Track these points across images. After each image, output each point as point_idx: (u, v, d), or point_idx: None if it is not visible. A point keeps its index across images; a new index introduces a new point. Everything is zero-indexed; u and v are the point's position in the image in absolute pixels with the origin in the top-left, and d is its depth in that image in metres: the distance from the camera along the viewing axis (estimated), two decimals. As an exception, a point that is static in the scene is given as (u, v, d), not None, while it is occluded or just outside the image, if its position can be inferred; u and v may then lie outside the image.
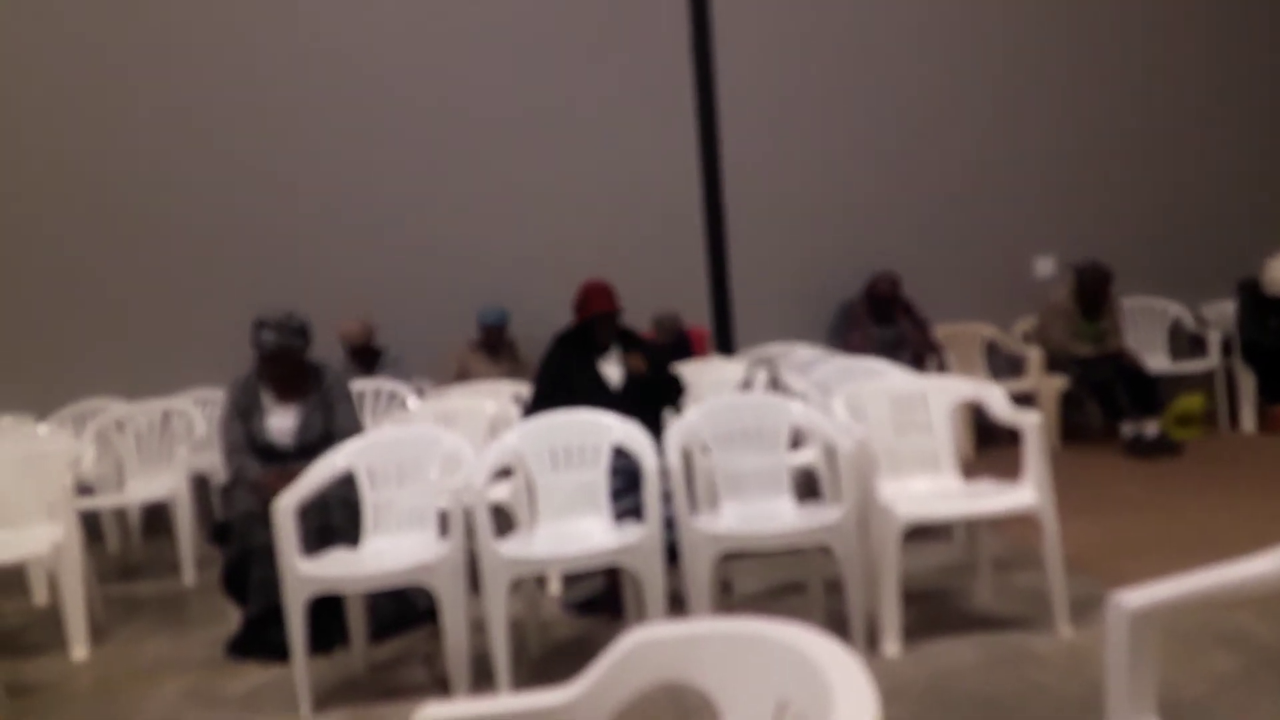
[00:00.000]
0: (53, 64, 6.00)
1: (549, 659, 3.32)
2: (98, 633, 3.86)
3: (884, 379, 3.93)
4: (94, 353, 5.98)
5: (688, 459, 3.39)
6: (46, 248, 6.02)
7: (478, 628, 3.07)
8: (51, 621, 3.88)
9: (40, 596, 4.39)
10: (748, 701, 1.04)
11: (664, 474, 3.10)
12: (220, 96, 6.10)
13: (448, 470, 3.27)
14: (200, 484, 5.22)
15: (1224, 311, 6.36)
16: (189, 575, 4.63)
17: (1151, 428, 5.62)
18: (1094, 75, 6.69)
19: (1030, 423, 3.15)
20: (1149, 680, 1.49)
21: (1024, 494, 3.11)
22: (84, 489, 4.65)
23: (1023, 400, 4.59)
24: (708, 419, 3.39)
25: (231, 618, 3.64)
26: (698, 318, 6.27)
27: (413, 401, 4.95)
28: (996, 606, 3.39)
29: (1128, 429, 5.67)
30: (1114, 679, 1.47)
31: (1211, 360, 6.27)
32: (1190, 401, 5.95)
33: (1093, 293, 5.91)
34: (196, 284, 6.08)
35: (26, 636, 3.99)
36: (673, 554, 3.16)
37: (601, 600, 3.67)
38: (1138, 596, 1.47)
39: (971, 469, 3.54)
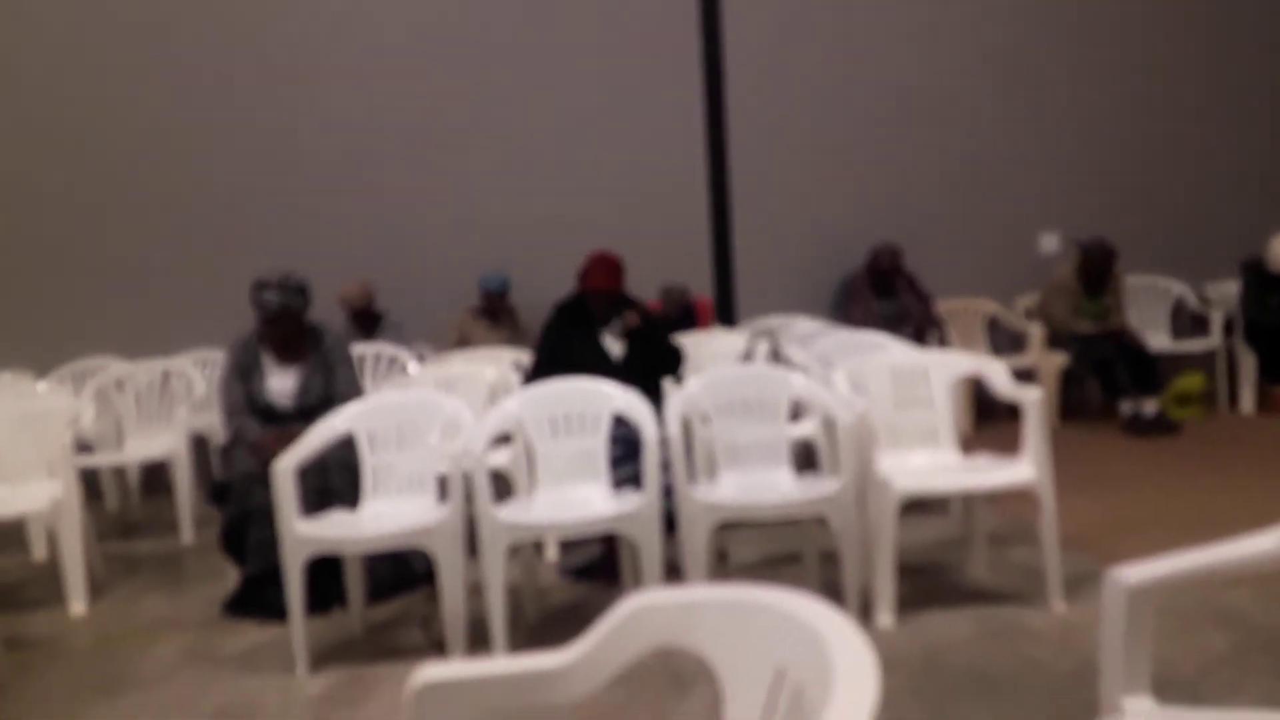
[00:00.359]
0: (57, 24, 5.92)
1: (545, 624, 3.34)
2: (96, 589, 3.88)
3: (885, 353, 3.93)
4: (94, 312, 5.96)
5: (687, 428, 3.39)
6: (48, 207, 5.98)
7: (475, 592, 3.08)
8: (50, 577, 3.90)
9: (39, 552, 4.41)
10: (746, 667, 1.05)
11: (663, 443, 3.10)
12: (225, 60, 6.03)
13: (447, 435, 3.27)
14: (199, 444, 5.23)
15: (1227, 291, 6.34)
16: (187, 534, 4.65)
17: (1150, 406, 5.62)
18: (1101, 52, 6.62)
19: (1031, 399, 3.15)
20: (1144, 657, 1.49)
21: (1022, 469, 3.11)
22: (83, 447, 4.66)
23: (1023, 376, 4.58)
24: (708, 389, 3.38)
25: (229, 577, 3.66)
26: (700, 288, 6.25)
27: (413, 366, 4.95)
28: (991, 581, 3.40)
29: (1127, 407, 5.68)
30: (1109, 654, 1.48)
31: (1213, 340, 6.26)
32: (1190, 381, 5.94)
33: (1096, 270, 5.89)
34: (197, 245, 6.05)
35: (25, 592, 4.02)
36: (670, 523, 3.17)
37: (598, 567, 3.69)
38: (1135, 572, 1.47)
39: (970, 444, 3.54)
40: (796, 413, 3.87)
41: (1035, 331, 6.06)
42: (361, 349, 5.06)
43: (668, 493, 3.14)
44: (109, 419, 5.10)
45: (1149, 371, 5.70)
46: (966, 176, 6.56)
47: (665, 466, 3.12)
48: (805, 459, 3.86)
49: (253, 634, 3.36)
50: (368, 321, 5.72)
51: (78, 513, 3.79)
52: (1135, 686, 1.46)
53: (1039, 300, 6.19)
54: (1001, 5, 6.53)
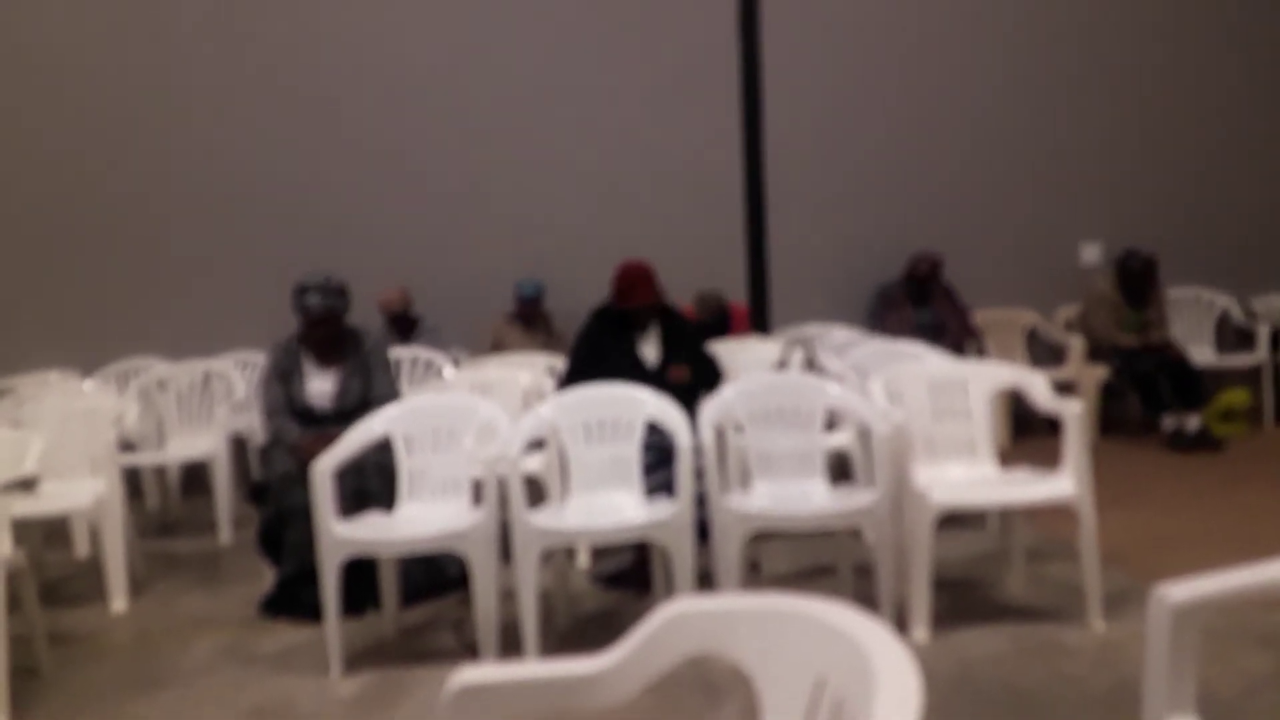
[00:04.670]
0: (107, 28, 6.06)
1: (576, 630, 3.34)
2: (136, 586, 3.95)
3: (923, 363, 3.89)
4: (138, 313, 6.07)
5: (720, 437, 3.38)
6: (96, 212, 6.10)
7: (507, 597, 3.10)
8: (92, 574, 3.98)
9: (82, 549, 4.49)
10: (785, 677, 1.04)
11: (697, 451, 3.10)
12: (270, 66, 6.13)
13: (482, 439, 3.29)
14: (238, 444, 5.30)
15: (1274, 305, 6.22)
16: (225, 534, 4.71)
17: (1193, 422, 5.52)
18: (1146, 60, 6.52)
19: (1072, 412, 3.11)
20: (1189, 677, 1.47)
21: (1062, 484, 3.07)
22: (126, 446, 4.74)
23: (1062, 389, 4.52)
24: (743, 398, 3.37)
25: (266, 577, 3.70)
26: (734, 295, 6.24)
27: (449, 371, 4.98)
28: (1028, 597, 3.36)
29: (1169, 422, 5.58)
30: (1153, 674, 1.45)
31: (1259, 355, 6.13)
32: (1235, 396, 5.83)
33: (1138, 282, 5.80)
34: (239, 249, 6.14)
35: (68, 587, 4.09)
36: (703, 532, 3.16)
37: (630, 575, 3.68)
38: (1181, 591, 1.45)
39: (1007, 458, 3.49)
40: (831, 423, 3.85)
41: (1075, 344, 5.97)
42: (399, 353, 5.10)
43: (700, 502, 3.13)
44: (151, 419, 5.18)
45: (1192, 386, 5.59)
46: (1006, 185, 6.50)
47: (698, 475, 3.11)
48: (839, 470, 3.83)
49: (288, 634, 3.40)
50: (405, 326, 5.77)
51: (120, 511, 3.86)
52: (1179, 707, 1.44)
53: (1080, 312, 6.10)
54: (1044, 13, 6.47)
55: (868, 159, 6.40)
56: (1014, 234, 6.49)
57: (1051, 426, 3.20)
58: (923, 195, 6.45)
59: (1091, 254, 6.56)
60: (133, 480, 4.91)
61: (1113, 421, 6.00)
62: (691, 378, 3.75)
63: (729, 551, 3.04)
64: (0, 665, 2.77)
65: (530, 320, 5.90)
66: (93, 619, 3.69)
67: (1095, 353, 5.89)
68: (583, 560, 3.96)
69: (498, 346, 5.70)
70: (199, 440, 5.02)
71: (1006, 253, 6.47)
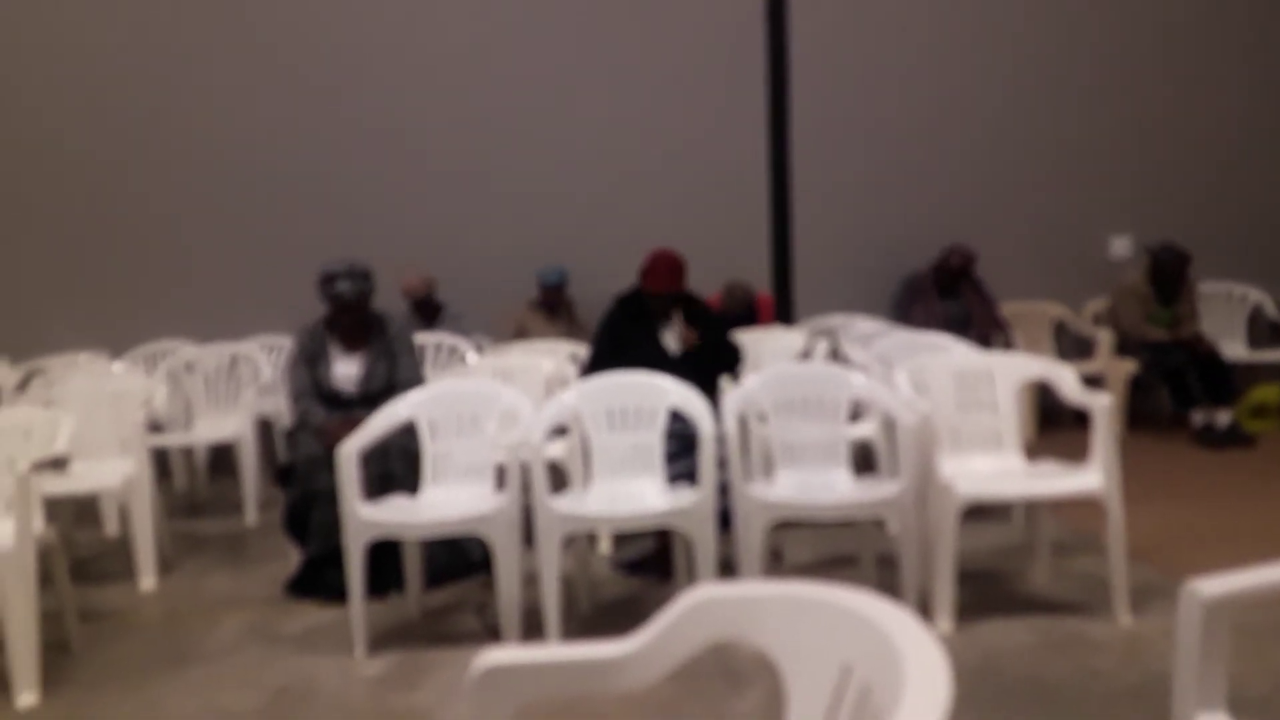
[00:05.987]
0: (129, 12, 6.10)
1: (597, 615, 3.36)
2: (164, 565, 4.00)
3: (949, 354, 3.86)
4: (166, 297, 6.13)
5: (744, 426, 3.38)
6: (124, 199, 6.16)
7: (529, 581, 3.11)
8: (122, 552, 4.03)
9: (112, 528, 4.56)
10: (810, 664, 1.04)
11: (720, 440, 3.09)
12: (292, 52, 6.15)
13: (505, 425, 3.30)
14: (265, 427, 5.35)
15: (1309, 300, 6.11)
16: (251, 515, 4.76)
17: (1224, 417, 5.44)
18: (1176, 50, 6.41)
19: (1101, 405, 3.07)
20: (1219, 672, 1.45)
21: (1090, 477, 3.03)
22: (154, 427, 4.79)
23: (1090, 383, 4.46)
24: (767, 387, 3.36)
25: (291, 558, 3.74)
26: (758, 285, 6.21)
27: (472, 357, 5.00)
28: (1053, 590, 3.33)
29: (1198, 417, 5.50)
30: (1183, 669, 1.44)
31: (1292, 351, 6.04)
32: (1267, 392, 5.74)
33: (1169, 275, 5.72)
34: (265, 235, 6.18)
35: (99, 565, 4.16)
36: (724, 520, 3.15)
37: (651, 562, 3.69)
38: (1213, 585, 1.43)
39: (1033, 451, 3.46)
40: (855, 413, 3.83)
41: (1103, 337, 5.90)
42: (422, 338, 5.13)
43: (723, 490, 3.13)
44: (178, 401, 5.23)
45: (1223, 381, 5.52)
46: (1035, 176, 6.41)
47: (721, 464, 3.11)
48: (863, 461, 3.81)
49: (313, 614, 3.44)
50: (429, 312, 5.80)
51: (149, 491, 3.91)
52: (1210, 703, 1.42)
53: (1109, 305, 6.03)
54: (1076, 3, 6.37)
55: (895, 147, 6.34)
56: (1042, 226, 6.41)
57: (1078, 420, 3.17)
58: (950, 185, 6.38)
59: (1121, 247, 6.47)
60: (161, 461, 4.97)
61: (1141, 416, 5.92)
62: (708, 355, 3.76)
63: (751, 540, 3.03)
64: (32, 639, 2.82)
65: (553, 308, 5.90)
66: (122, 596, 3.75)
67: (1124, 347, 5.82)
68: (604, 547, 3.97)
69: (520, 334, 5.72)
70: (226, 422, 5.07)
71: (1034, 245, 6.39)
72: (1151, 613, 3.01)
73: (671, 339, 3.83)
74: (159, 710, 2.74)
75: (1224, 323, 6.27)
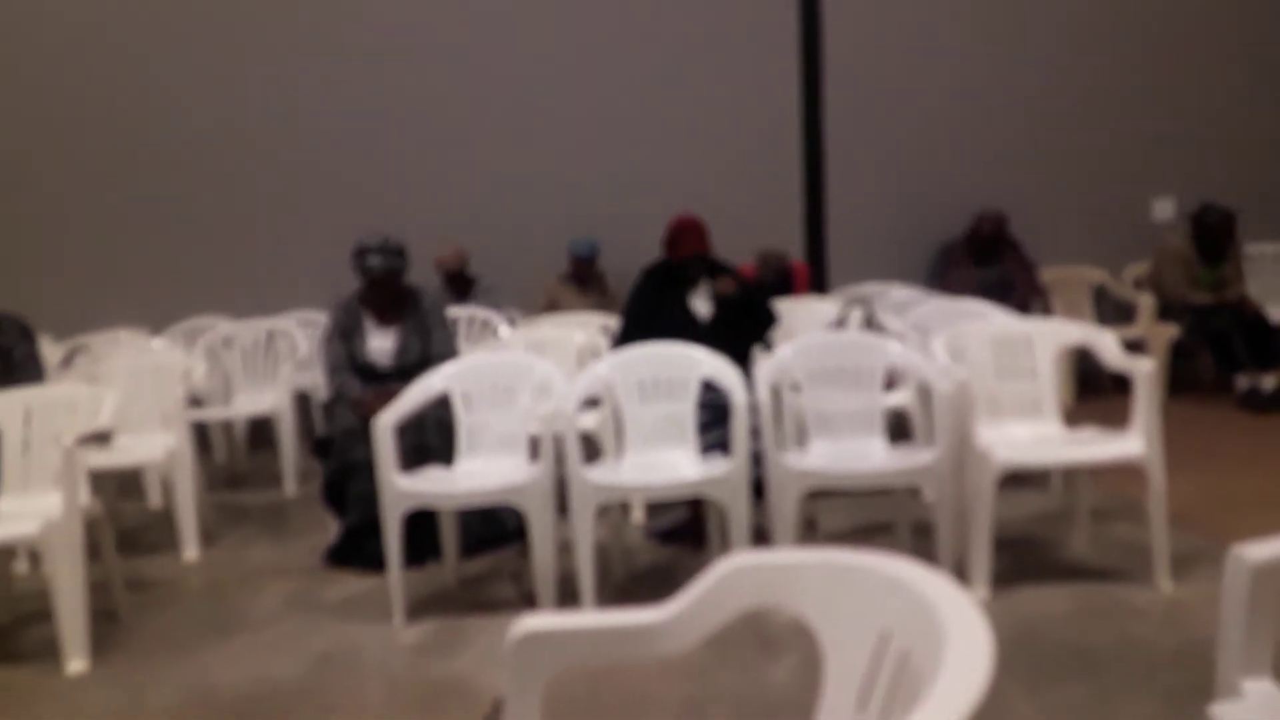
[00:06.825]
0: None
1: (631, 583, 3.38)
2: (207, 537, 4.08)
3: (987, 321, 3.81)
4: (204, 274, 6.21)
5: (777, 395, 3.36)
6: (162, 178, 6.23)
7: (564, 550, 3.14)
8: (165, 524, 4.12)
9: (155, 500, 4.65)
10: (848, 630, 1.03)
11: (752, 409, 3.08)
12: (326, 29, 6.15)
13: (539, 397, 3.31)
14: (302, 400, 5.42)
15: (1359, 261, 5.94)
16: (290, 486, 4.84)
17: (1269, 381, 5.33)
18: (1221, 8, 6.21)
19: (1142, 370, 3.01)
20: (1265, 639, 1.42)
21: (1131, 443, 2.98)
22: (194, 401, 4.88)
23: (1131, 348, 4.38)
24: (801, 356, 3.34)
25: (330, 528, 3.80)
26: (792, 253, 6.15)
27: (504, 330, 5.02)
28: (1092, 557, 3.29)
29: (1243, 381, 5.39)
30: (1228, 635, 1.41)
31: (1342, 313, 5.87)
32: (1314, 356, 5.60)
33: (1216, 238, 5.58)
34: (301, 212, 6.23)
35: (143, 536, 4.25)
36: (757, 490, 3.15)
37: (684, 530, 3.70)
38: (1260, 550, 1.40)
39: (1071, 417, 3.41)
40: (890, 382, 3.79)
41: (1145, 302, 5.79)
42: (455, 312, 5.15)
43: (756, 460, 3.12)
44: (217, 375, 5.32)
45: (1269, 344, 5.39)
46: (1075, 138, 6.28)
47: (754, 433, 3.10)
48: (897, 429, 3.78)
49: (352, 583, 3.49)
50: (462, 285, 5.82)
51: (190, 464, 3.99)
52: (1256, 669, 1.40)
53: (1150, 269, 5.90)
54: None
55: (930, 111, 6.23)
56: (1082, 190, 6.28)
57: (1118, 386, 3.12)
58: (987, 150, 6.27)
59: (1164, 209, 6.32)
60: (201, 435, 5.06)
61: (1183, 381, 5.82)
62: (743, 315, 3.75)
63: (785, 508, 3.02)
64: (81, 609, 2.89)
65: (584, 280, 5.89)
66: (167, 567, 3.83)
67: (1165, 311, 5.71)
68: (637, 516, 3.99)
69: (552, 306, 5.72)
70: (264, 396, 5.14)
71: (1074, 209, 6.27)
72: (1193, 579, 2.97)
73: (702, 305, 3.80)
74: (206, 676, 2.81)
75: (1269, 285, 6.11)
